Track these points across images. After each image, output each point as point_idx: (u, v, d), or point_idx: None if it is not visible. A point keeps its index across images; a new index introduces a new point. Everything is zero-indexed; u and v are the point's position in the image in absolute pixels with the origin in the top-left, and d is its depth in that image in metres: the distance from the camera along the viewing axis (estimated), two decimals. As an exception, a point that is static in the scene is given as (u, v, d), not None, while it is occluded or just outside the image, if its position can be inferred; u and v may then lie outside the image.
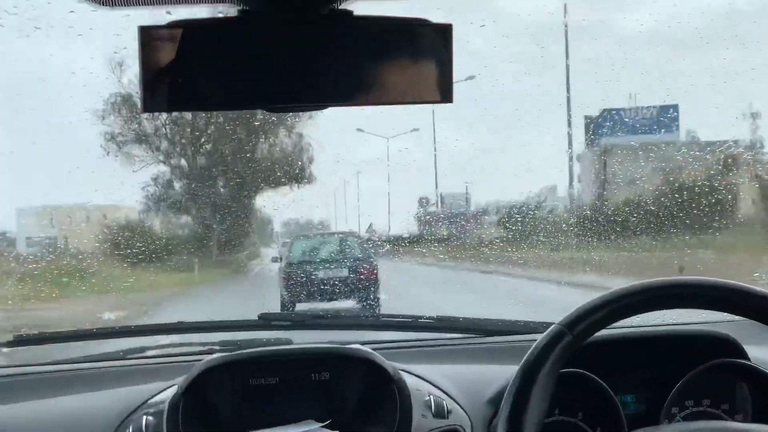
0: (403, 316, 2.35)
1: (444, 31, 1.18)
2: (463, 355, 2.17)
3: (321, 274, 10.84)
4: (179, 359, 2.14)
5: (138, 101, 1.07)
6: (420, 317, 2.33)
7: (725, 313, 1.31)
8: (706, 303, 1.29)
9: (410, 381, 1.82)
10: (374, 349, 1.84)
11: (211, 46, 1.12)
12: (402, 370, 1.84)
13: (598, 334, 1.30)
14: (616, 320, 1.31)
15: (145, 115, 14.86)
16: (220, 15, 1.17)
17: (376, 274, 10.95)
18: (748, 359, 1.70)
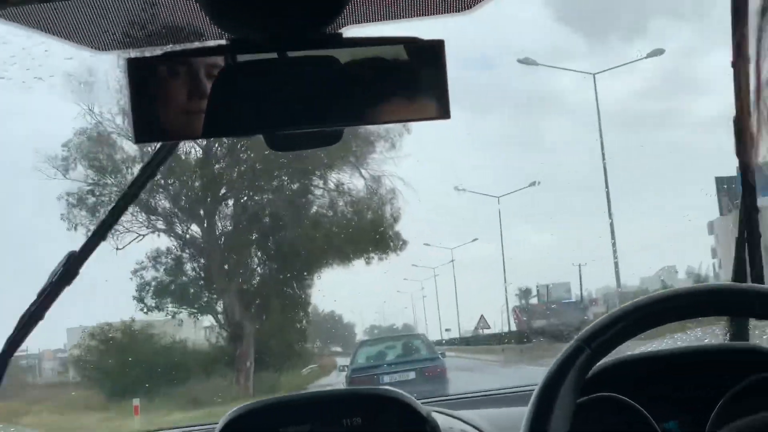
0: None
1: (436, 48, 1.18)
2: (505, 400, 2.12)
3: (387, 378, 10.65)
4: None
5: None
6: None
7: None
8: (732, 309, 1.25)
9: (443, 421, 1.77)
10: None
11: (201, 74, 1.12)
12: (435, 410, 1.80)
13: (628, 353, 1.25)
14: (637, 332, 1.25)
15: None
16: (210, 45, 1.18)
17: (444, 372, 10.85)
18: None
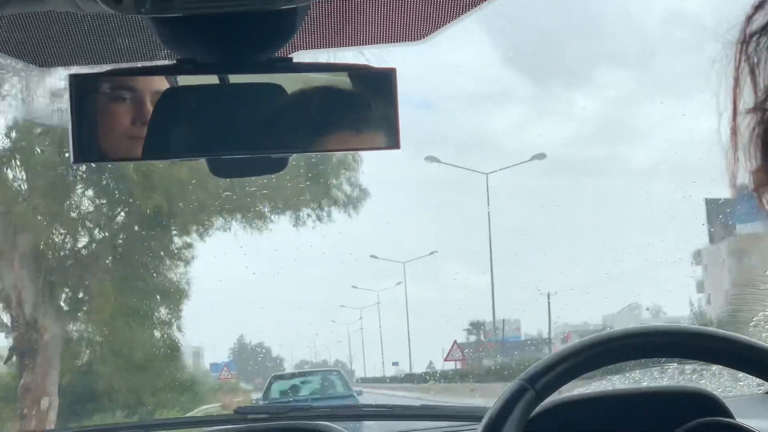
0: (385, 406, 2.27)
1: (387, 76, 1.16)
2: None
3: None
4: None
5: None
6: (401, 406, 2.25)
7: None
8: (678, 351, 1.24)
9: None
10: None
11: (145, 93, 1.09)
12: None
13: (572, 393, 1.24)
14: (580, 373, 1.24)
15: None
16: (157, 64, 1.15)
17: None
18: (732, 417, 1.63)
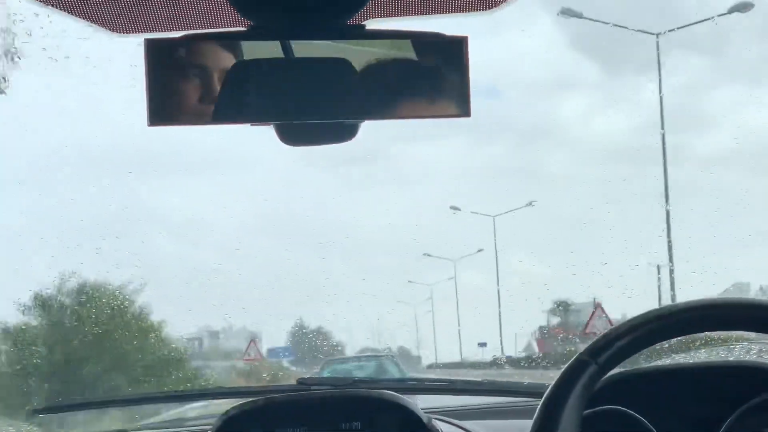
0: (447, 380, 2.27)
1: (459, 44, 1.16)
2: (508, 414, 2.09)
3: None
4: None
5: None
6: (463, 380, 2.25)
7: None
8: (744, 323, 1.21)
9: (446, 430, 1.74)
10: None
11: (219, 59, 1.10)
12: (437, 418, 1.77)
13: (636, 366, 1.23)
14: (644, 346, 1.23)
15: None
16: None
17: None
18: None
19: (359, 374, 11.55)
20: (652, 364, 1.56)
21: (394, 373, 11.69)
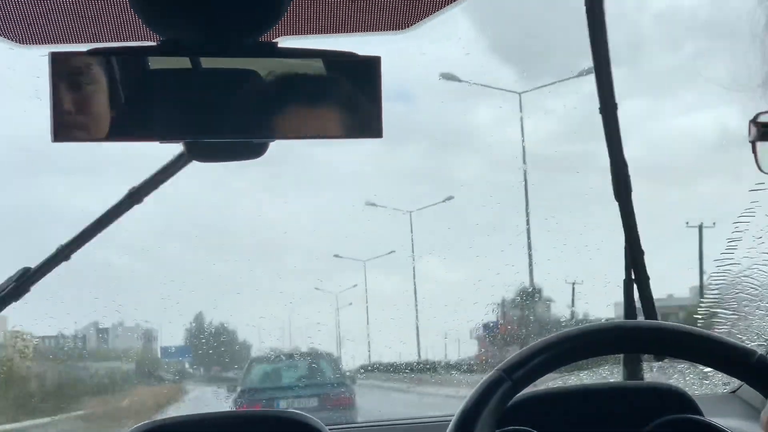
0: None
1: (372, 64, 1.15)
2: (421, 430, 2.10)
3: (283, 404, 9.19)
4: None
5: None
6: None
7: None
8: (657, 348, 1.24)
9: None
10: None
11: (126, 73, 1.08)
12: None
13: (542, 388, 1.24)
14: (559, 365, 1.24)
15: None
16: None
17: (353, 401, 9.73)
18: (702, 414, 1.65)
19: (291, 374, 10.76)
20: (563, 384, 1.58)
21: (328, 372, 10.90)
